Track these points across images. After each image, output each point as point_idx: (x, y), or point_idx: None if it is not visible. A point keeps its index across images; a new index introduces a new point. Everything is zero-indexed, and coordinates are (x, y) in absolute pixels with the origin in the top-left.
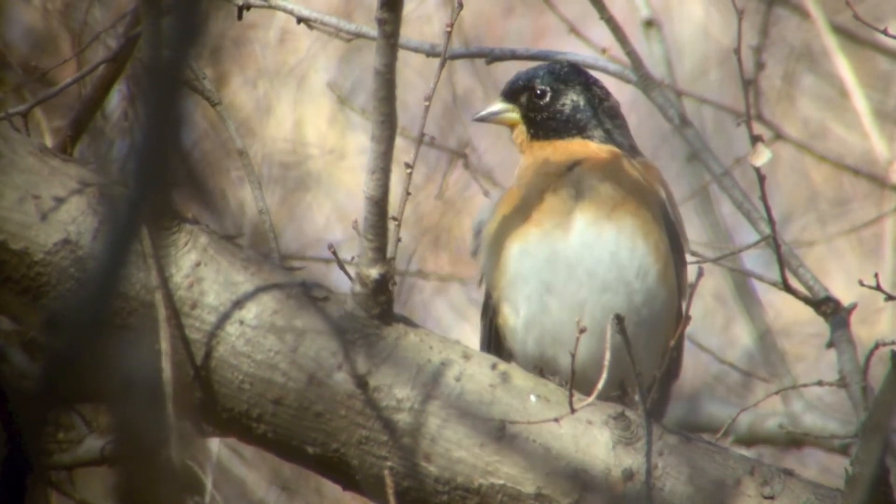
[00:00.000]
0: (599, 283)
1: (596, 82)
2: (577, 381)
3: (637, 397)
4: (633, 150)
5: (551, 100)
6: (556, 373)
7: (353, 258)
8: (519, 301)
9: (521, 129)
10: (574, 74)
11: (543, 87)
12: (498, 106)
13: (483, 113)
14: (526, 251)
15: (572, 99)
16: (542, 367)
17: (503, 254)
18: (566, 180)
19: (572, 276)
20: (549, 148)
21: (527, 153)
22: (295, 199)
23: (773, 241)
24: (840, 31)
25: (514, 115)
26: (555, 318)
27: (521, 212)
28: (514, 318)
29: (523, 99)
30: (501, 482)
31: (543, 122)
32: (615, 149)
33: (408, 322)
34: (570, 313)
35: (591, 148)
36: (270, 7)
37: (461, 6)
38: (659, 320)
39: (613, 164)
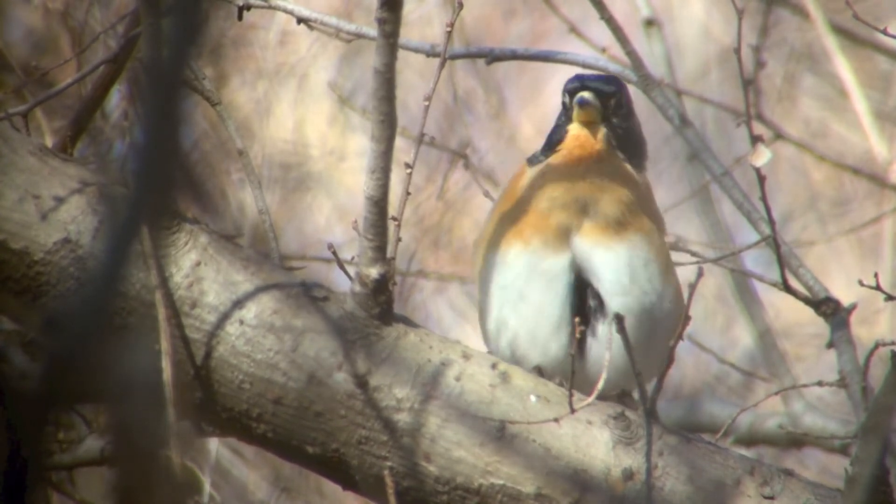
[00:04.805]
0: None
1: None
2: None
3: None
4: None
5: (628, 117)
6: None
7: (353, 258)
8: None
9: (602, 134)
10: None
11: (625, 103)
12: (594, 99)
13: (585, 97)
14: (507, 262)
15: (636, 122)
16: (540, 367)
17: (486, 259)
18: (575, 195)
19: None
20: (590, 161)
21: (574, 157)
22: (295, 199)
23: (773, 242)
24: (840, 31)
25: (598, 115)
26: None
27: (516, 216)
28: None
29: (612, 102)
30: (501, 482)
31: (623, 137)
32: (636, 175)
33: (408, 322)
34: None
35: (624, 170)
36: (270, 7)
37: (461, 6)
38: (665, 315)
39: (629, 187)
